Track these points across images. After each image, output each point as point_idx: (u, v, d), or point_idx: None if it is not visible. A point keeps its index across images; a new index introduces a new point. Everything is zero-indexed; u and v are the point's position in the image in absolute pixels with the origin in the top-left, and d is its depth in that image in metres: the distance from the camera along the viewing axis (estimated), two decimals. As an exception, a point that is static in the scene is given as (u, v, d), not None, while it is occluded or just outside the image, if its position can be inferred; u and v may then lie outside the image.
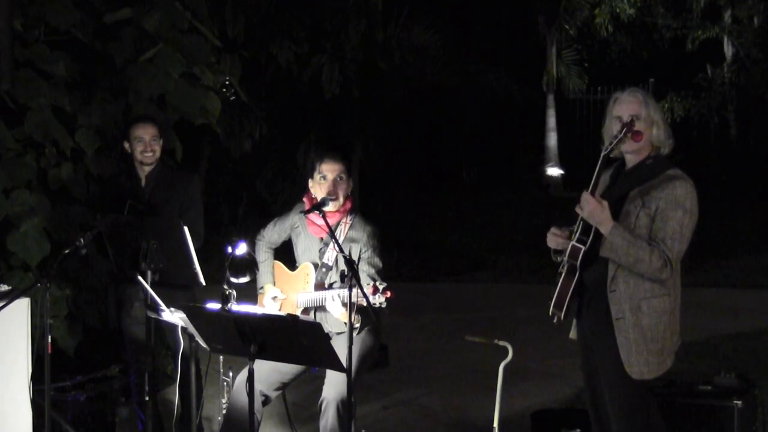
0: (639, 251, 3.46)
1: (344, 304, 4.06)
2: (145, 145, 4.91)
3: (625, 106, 3.61)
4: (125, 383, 5.31)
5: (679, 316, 3.66)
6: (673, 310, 3.60)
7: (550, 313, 3.72)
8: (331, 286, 4.34)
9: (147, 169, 4.95)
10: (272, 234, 4.65)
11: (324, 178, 4.37)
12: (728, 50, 17.42)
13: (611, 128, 3.62)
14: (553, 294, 3.69)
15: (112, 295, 5.02)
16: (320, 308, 4.36)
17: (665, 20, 17.28)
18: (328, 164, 4.38)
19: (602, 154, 3.58)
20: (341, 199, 4.38)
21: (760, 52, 16.69)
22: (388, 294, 4.02)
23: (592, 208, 3.51)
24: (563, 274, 3.68)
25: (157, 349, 5.11)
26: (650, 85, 17.19)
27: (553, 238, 3.74)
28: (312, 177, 4.44)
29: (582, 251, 3.58)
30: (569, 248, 3.62)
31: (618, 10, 16.59)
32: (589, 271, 3.62)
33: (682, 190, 3.53)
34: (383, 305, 4.02)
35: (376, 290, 4.00)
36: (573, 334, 3.86)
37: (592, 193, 3.54)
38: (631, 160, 3.68)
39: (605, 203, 3.51)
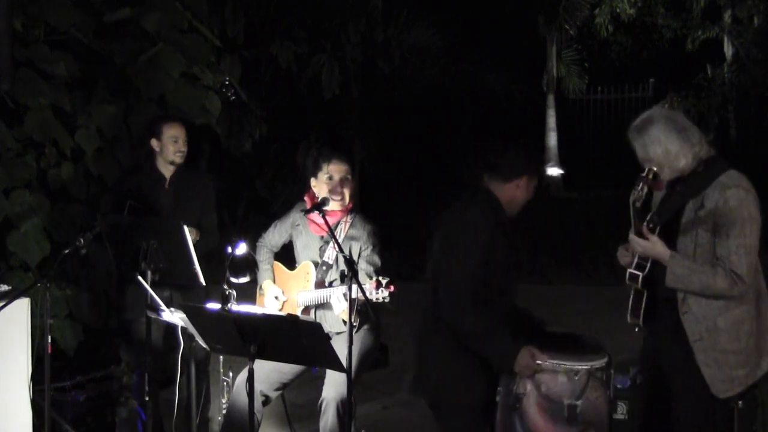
0: (702, 277, 3.33)
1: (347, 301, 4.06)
2: (179, 145, 4.93)
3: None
4: (128, 382, 5.31)
5: (765, 315, 3.48)
6: (752, 317, 3.43)
7: (629, 321, 3.58)
8: (331, 285, 4.34)
9: (172, 168, 4.97)
10: (273, 236, 4.65)
11: (330, 178, 4.37)
12: (728, 50, 17.39)
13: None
14: (628, 304, 3.57)
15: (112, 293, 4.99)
16: (321, 307, 4.37)
17: (665, 20, 17.25)
18: (336, 165, 4.39)
19: (631, 205, 3.40)
20: (347, 199, 4.39)
21: (760, 52, 16.67)
22: (392, 288, 4.02)
23: (644, 245, 3.42)
24: (633, 290, 3.55)
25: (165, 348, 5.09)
26: (650, 85, 17.17)
27: (623, 257, 3.61)
28: (316, 176, 4.44)
29: (640, 277, 3.48)
30: (627, 275, 3.51)
31: (618, 10, 16.57)
32: (659, 290, 3.48)
33: (735, 201, 3.38)
34: (386, 300, 4.02)
35: (379, 285, 4.00)
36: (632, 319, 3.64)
37: (638, 232, 3.43)
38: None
39: (654, 239, 3.40)
